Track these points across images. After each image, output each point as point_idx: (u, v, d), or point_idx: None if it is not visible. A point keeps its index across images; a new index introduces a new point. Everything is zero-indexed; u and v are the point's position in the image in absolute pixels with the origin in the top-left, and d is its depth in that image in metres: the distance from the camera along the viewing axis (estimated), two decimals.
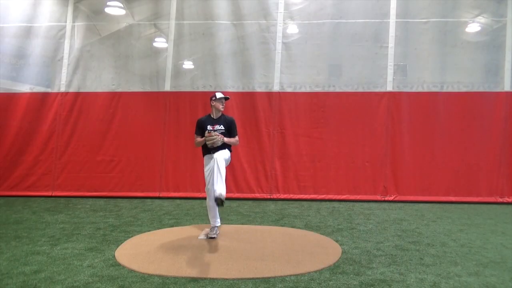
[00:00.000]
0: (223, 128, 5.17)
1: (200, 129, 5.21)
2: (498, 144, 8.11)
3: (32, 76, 8.79)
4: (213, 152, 5.02)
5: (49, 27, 8.74)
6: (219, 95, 5.26)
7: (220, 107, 5.25)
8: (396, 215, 6.83)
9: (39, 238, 5.14)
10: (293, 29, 8.64)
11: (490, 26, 8.49)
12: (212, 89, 8.52)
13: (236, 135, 5.30)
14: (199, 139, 5.21)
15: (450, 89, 8.30)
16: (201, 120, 5.29)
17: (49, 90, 8.78)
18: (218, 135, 5.00)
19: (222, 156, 4.86)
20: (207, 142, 5.03)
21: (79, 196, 8.24)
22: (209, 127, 5.13)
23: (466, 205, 7.74)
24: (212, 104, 5.25)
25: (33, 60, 8.78)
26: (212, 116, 5.27)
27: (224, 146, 5.13)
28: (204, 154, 5.25)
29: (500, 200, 8.00)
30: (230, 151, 5.26)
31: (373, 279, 3.78)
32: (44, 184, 8.42)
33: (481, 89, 8.27)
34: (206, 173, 5.14)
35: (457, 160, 8.14)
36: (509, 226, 6.11)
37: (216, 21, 8.58)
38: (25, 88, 8.71)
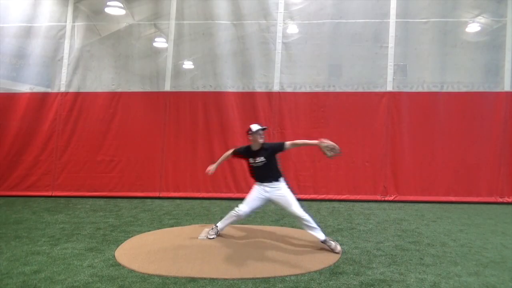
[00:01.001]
0: (264, 159, 4.88)
1: (242, 154, 5.05)
2: (498, 144, 8.11)
3: (32, 76, 8.79)
4: (264, 183, 4.92)
5: (49, 27, 8.74)
6: (255, 127, 4.88)
7: (259, 139, 4.88)
8: (396, 215, 6.83)
9: (39, 238, 5.14)
10: (293, 29, 8.64)
11: (490, 26, 8.49)
12: (212, 89, 8.52)
13: (285, 141, 4.91)
14: (231, 156, 5.18)
15: (450, 89, 8.30)
16: (241, 150, 5.08)
17: (49, 90, 8.78)
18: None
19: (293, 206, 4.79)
20: (328, 154, 4.69)
21: (79, 196, 8.23)
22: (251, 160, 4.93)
23: (466, 205, 7.74)
24: (250, 138, 4.93)
25: (33, 60, 8.78)
26: (252, 148, 4.96)
27: (274, 177, 4.92)
28: (255, 180, 5.07)
29: (500, 200, 8.00)
30: (280, 179, 4.96)
31: (373, 279, 3.78)
32: (44, 184, 8.42)
33: (481, 89, 8.27)
34: (250, 197, 5.00)
35: (457, 160, 8.14)
36: (509, 226, 6.11)
37: (216, 21, 8.58)
38: (25, 88, 8.70)
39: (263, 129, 4.96)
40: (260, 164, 4.88)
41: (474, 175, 8.12)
